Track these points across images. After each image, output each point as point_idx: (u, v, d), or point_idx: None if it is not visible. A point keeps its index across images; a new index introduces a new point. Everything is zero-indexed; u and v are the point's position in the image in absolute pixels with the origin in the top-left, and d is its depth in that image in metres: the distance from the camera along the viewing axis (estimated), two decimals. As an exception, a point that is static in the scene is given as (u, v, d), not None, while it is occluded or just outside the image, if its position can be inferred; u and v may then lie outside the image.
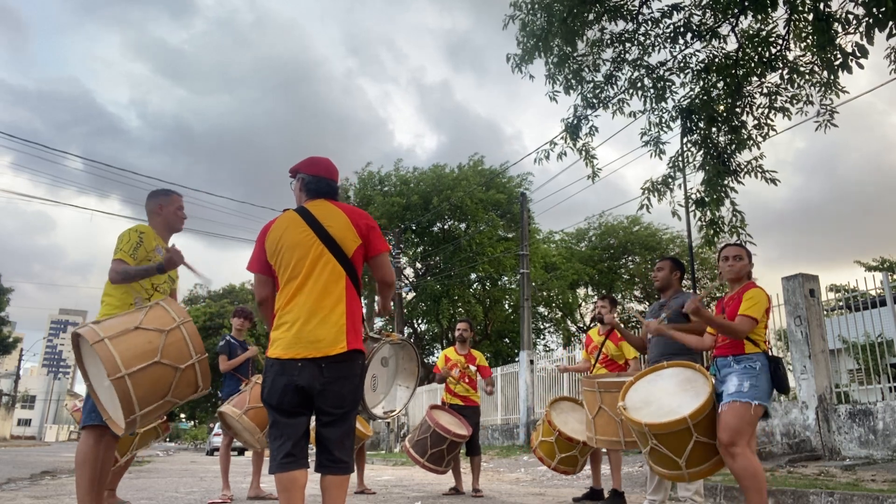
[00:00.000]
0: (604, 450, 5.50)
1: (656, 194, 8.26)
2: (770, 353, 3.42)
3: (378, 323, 20.41)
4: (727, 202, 7.98)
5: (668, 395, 3.45)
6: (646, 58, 7.91)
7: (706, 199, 7.95)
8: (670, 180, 8.31)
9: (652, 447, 3.34)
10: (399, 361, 3.31)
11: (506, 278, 26.00)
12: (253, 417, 5.40)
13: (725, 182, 7.90)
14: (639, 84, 7.91)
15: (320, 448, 2.60)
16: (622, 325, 5.16)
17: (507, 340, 27.23)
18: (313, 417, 2.68)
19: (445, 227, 26.01)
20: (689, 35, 7.58)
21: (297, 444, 2.57)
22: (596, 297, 31.12)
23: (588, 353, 5.93)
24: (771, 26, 7.47)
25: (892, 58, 6.98)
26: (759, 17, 7.31)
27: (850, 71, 6.10)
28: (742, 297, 3.49)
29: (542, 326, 30.11)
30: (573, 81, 7.80)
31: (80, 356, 3.01)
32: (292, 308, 2.62)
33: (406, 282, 26.07)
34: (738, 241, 7.48)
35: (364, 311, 3.04)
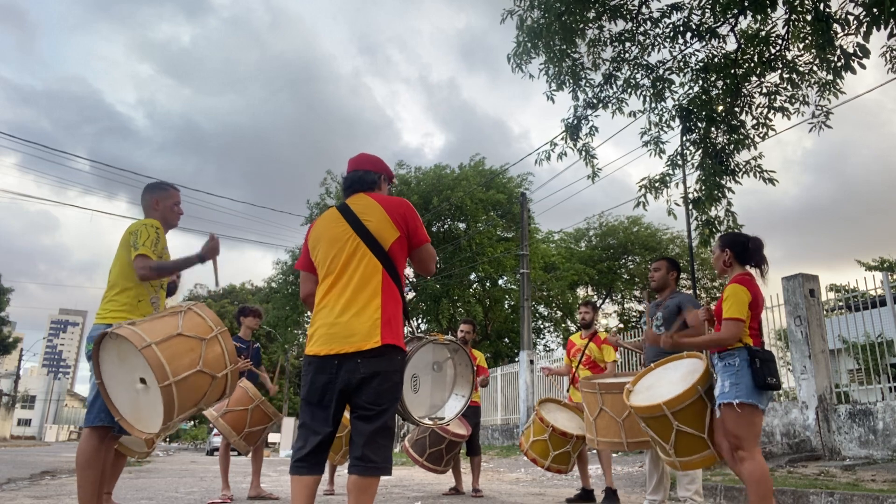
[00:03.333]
0: (593, 450, 5.53)
1: (653, 192, 8.27)
2: (753, 347, 3.21)
3: None
4: (724, 202, 7.99)
5: (668, 384, 3.45)
6: (645, 57, 7.91)
7: (703, 198, 7.96)
8: (668, 178, 8.31)
9: (645, 430, 3.39)
10: (456, 367, 3.08)
11: (505, 278, 25.99)
12: (229, 421, 5.39)
13: (723, 182, 7.90)
14: (634, 83, 7.91)
15: (352, 445, 2.50)
16: (623, 341, 5.31)
17: (506, 340, 27.22)
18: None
19: (445, 227, 25.99)
20: (688, 35, 7.58)
21: (313, 452, 2.51)
22: (595, 297, 31.17)
23: (570, 356, 6.01)
24: (770, 26, 7.48)
25: (888, 57, 6.99)
26: (759, 18, 7.31)
27: (853, 71, 6.10)
28: (723, 297, 3.35)
29: (541, 326, 30.12)
30: (567, 79, 7.79)
31: (98, 355, 2.97)
32: (327, 303, 2.59)
33: (406, 282, 26.05)
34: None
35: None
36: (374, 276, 2.57)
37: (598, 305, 6.05)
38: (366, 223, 2.62)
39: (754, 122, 8.00)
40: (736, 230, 7.98)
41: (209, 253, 3.42)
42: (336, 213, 2.71)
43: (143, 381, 2.79)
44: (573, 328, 29.97)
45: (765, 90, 7.89)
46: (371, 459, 2.44)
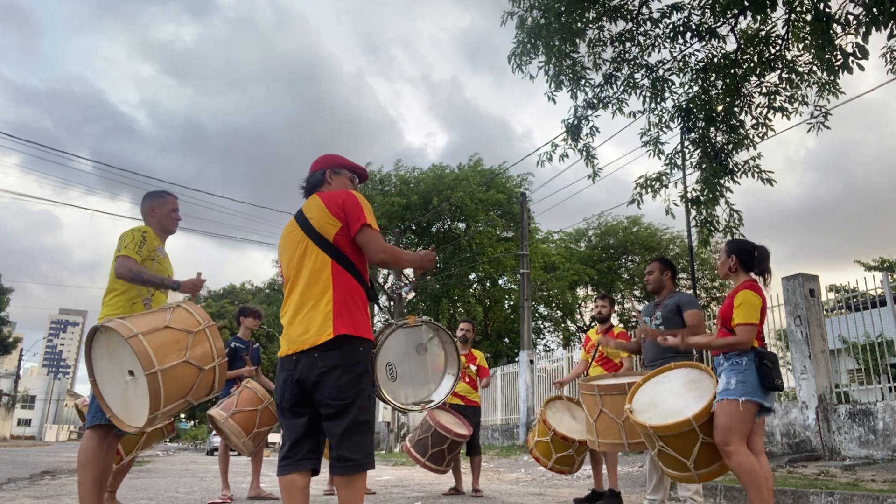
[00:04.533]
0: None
1: (649, 190, 8.28)
2: (759, 349, 3.32)
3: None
4: (723, 202, 8.00)
5: (673, 396, 3.44)
6: (645, 57, 7.92)
7: (702, 198, 7.98)
8: (665, 177, 8.32)
9: (660, 449, 3.34)
10: (445, 346, 3.01)
11: (505, 278, 26.01)
12: (239, 421, 5.38)
13: (722, 182, 7.91)
14: (632, 84, 7.92)
15: (330, 446, 2.50)
16: (618, 341, 5.26)
17: (507, 340, 27.24)
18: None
19: (445, 227, 26.01)
20: (688, 35, 7.58)
21: (295, 446, 2.51)
22: (596, 296, 31.14)
23: (587, 351, 5.99)
24: (770, 26, 7.48)
25: (888, 58, 6.99)
26: (759, 18, 7.31)
27: (850, 71, 6.11)
28: (733, 302, 3.39)
29: (542, 326, 30.13)
30: (565, 80, 7.80)
31: (91, 351, 3.00)
32: (288, 306, 2.63)
33: (406, 281, 26.09)
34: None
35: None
36: (324, 270, 2.57)
37: (615, 300, 5.96)
38: (311, 221, 2.64)
39: (753, 122, 8.01)
40: (737, 230, 8.00)
41: (185, 287, 3.46)
42: (292, 220, 2.77)
43: (131, 373, 2.82)
44: (573, 328, 30.01)
45: (764, 90, 7.90)
46: (348, 458, 2.42)
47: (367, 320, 2.63)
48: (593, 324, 6.25)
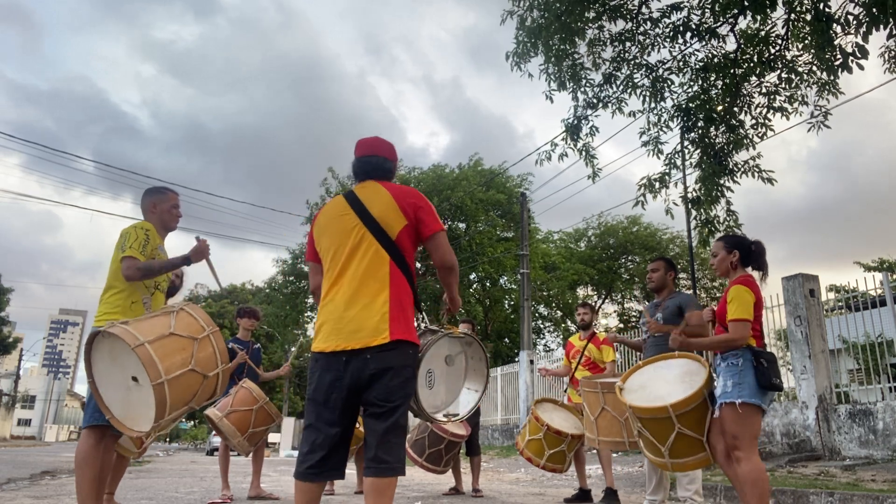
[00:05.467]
0: (593, 450, 5.54)
1: (652, 191, 8.28)
2: (756, 348, 3.23)
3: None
4: (722, 202, 8.00)
5: (664, 383, 3.43)
6: (645, 57, 7.92)
7: (701, 198, 7.98)
8: (666, 178, 8.32)
9: (639, 430, 3.36)
10: (468, 361, 2.95)
11: (505, 278, 26.00)
12: (234, 421, 5.38)
13: (721, 181, 7.91)
14: (631, 84, 7.92)
15: (366, 445, 2.40)
16: (623, 337, 5.33)
17: (506, 340, 27.23)
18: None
19: (445, 227, 25.98)
20: (688, 35, 7.58)
21: (327, 457, 2.41)
22: (595, 297, 31.19)
23: (570, 358, 6.04)
24: (770, 26, 7.48)
25: (887, 57, 6.99)
26: (759, 18, 7.31)
27: (850, 71, 6.11)
28: (725, 298, 3.34)
29: (541, 326, 30.12)
30: (565, 80, 7.80)
31: (91, 354, 2.98)
32: (333, 296, 2.49)
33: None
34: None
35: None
36: (382, 267, 2.47)
37: (595, 307, 6.15)
38: (372, 211, 2.52)
39: (753, 121, 8.01)
40: (736, 230, 7.99)
41: (195, 255, 3.44)
42: (342, 202, 2.62)
43: (135, 379, 2.80)
44: (573, 328, 29.98)
45: (764, 90, 7.90)
46: (384, 460, 2.33)
47: (414, 324, 2.56)
48: (577, 330, 6.36)
